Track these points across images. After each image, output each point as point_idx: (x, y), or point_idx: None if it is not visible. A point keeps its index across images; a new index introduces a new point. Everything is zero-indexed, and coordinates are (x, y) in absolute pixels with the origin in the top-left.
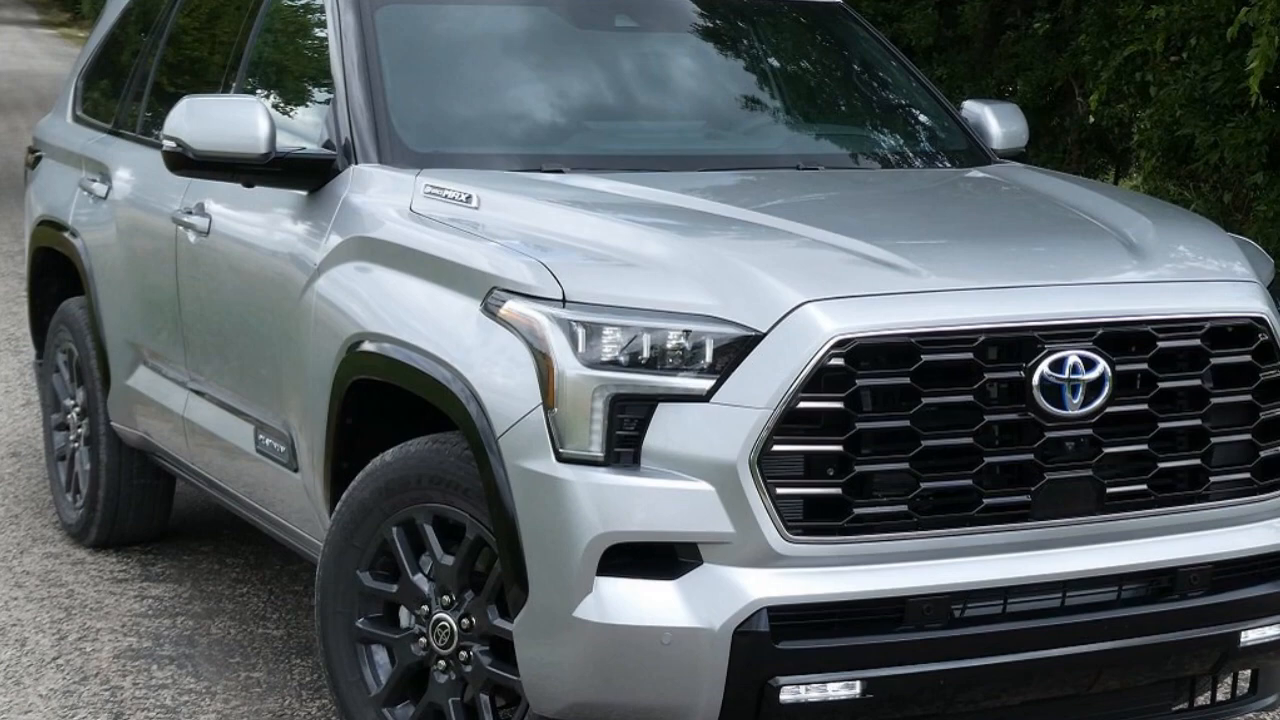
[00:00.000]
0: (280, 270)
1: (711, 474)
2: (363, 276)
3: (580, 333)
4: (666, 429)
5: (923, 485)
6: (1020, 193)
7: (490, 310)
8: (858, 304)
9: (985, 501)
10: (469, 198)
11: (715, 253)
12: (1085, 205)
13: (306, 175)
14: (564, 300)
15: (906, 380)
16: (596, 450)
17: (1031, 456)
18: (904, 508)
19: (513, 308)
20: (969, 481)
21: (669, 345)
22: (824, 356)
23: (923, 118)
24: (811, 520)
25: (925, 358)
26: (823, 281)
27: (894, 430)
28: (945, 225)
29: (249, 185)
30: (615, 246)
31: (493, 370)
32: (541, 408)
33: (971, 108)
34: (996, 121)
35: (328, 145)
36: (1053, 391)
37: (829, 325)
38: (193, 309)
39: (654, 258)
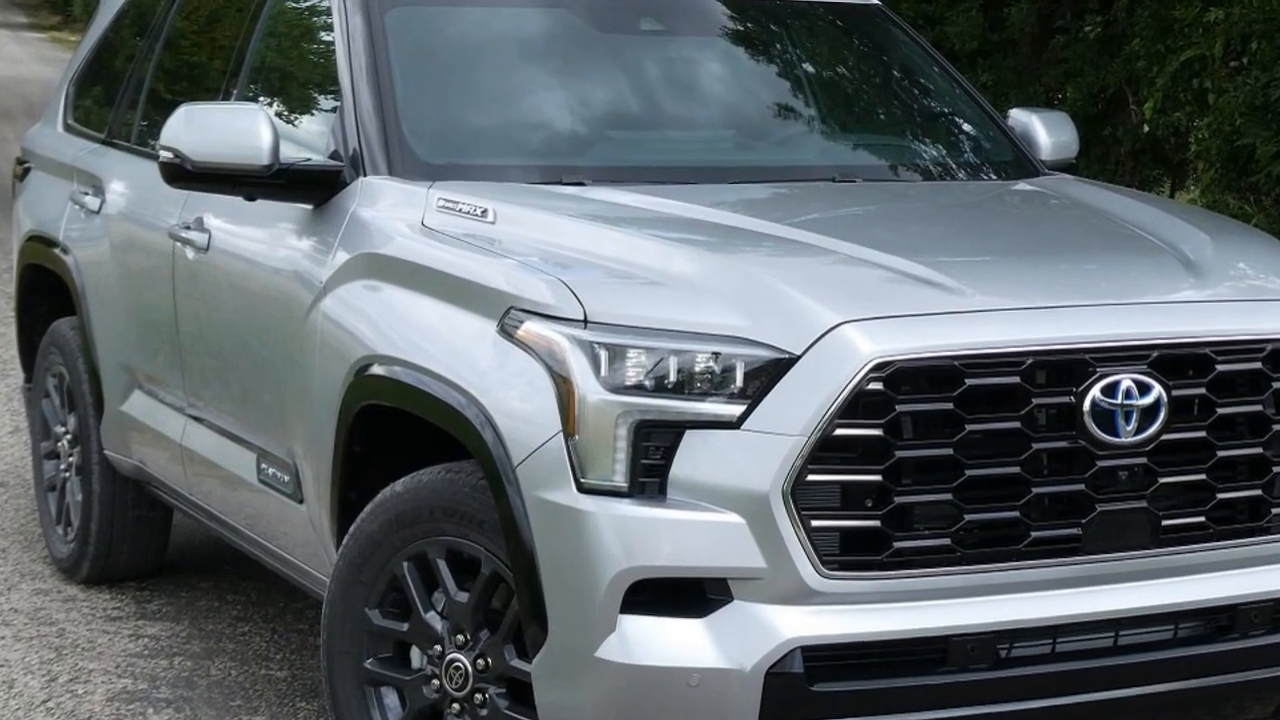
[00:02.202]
0: (284, 289)
1: (742, 505)
2: (372, 296)
3: (603, 355)
4: (694, 457)
5: (967, 517)
6: (1070, 207)
7: (507, 331)
8: (898, 324)
9: (1033, 535)
10: (485, 212)
11: (746, 270)
12: (1139, 220)
13: (312, 188)
14: (585, 321)
15: (949, 406)
16: (620, 480)
17: (1082, 487)
18: (947, 541)
19: (531, 329)
20: (1016, 513)
21: (697, 368)
22: (862, 380)
23: (966, 127)
24: (848, 554)
25: (969, 382)
26: (861, 301)
27: (936, 459)
28: (990, 241)
29: (250, 199)
30: (640, 264)
31: (510, 395)
32: (561, 435)
33: (1018, 116)
34: (1045, 131)
35: (334, 156)
36: (1105, 418)
37: (867, 347)
38: (191, 330)
39: (681, 276)
